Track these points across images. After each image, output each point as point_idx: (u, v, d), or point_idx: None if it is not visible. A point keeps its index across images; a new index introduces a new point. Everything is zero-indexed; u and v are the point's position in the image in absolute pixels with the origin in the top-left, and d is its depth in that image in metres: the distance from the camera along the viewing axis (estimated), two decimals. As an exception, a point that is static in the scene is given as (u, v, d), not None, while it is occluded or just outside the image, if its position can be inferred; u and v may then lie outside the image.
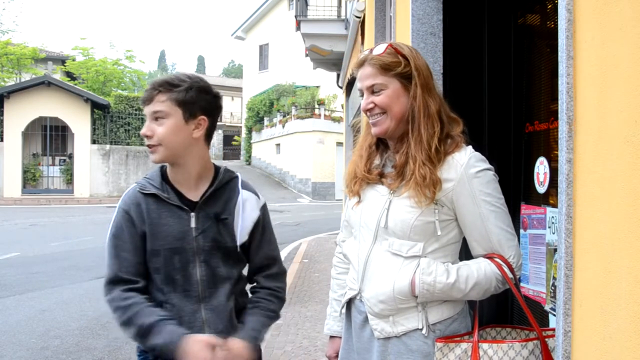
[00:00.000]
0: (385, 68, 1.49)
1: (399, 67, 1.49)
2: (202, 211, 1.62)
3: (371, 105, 1.50)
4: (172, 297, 1.58)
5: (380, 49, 1.52)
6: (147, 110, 1.57)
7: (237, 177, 1.73)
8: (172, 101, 1.55)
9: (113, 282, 1.56)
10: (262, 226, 1.73)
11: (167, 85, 1.56)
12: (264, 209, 1.75)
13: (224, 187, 1.68)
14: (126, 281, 1.55)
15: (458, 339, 1.43)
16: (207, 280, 1.61)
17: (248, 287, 1.79)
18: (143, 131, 1.58)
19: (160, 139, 1.55)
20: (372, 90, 1.50)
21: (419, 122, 1.47)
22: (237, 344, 1.54)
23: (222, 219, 1.64)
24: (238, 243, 1.66)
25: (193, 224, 1.60)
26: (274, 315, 1.71)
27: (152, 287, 1.61)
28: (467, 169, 1.44)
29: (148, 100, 1.56)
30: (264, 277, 1.74)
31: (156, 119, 1.56)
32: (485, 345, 1.39)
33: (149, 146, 1.57)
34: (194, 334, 1.51)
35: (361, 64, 1.53)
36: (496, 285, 1.44)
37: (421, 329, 1.44)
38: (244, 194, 1.70)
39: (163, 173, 1.66)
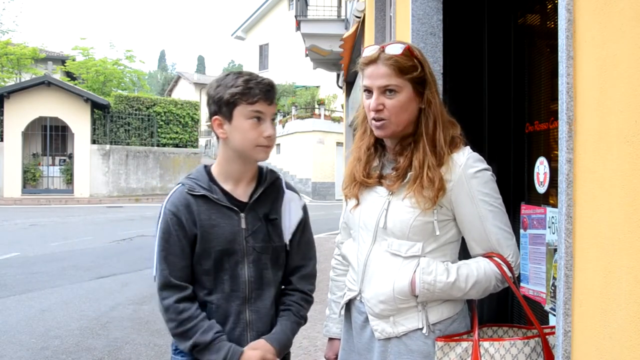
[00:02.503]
0: (402, 70, 1.44)
1: (415, 72, 1.46)
2: (251, 212, 1.62)
3: (381, 107, 1.46)
4: (218, 298, 1.58)
5: (396, 49, 1.46)
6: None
7: (280, 177, 1.74)
8: None
9: (164, 287, 1.55)
10: (304, 226, 1.74)
11: None
12: (305, 209, 1.76)
13: (270, 187, 1.68)
14: (177, 287, 1.55)
15: (458, 337, 1.44)
16: (255, 281, 1.61)
17: None
18: None
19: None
20: (384, 90, 1.46)
21: (435, 129, 1.47)
22: (264, 346, 1.57)
23: (271, 219, 1.64)
24: (285, 242, 1.68)
25: (243, 225, 1.60)
26: (304, 322, 1.72)
27: (196, 287, 1.60)
28: (465, 169, 1.44)
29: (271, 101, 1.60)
30: (298, 278, 1.72)
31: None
32: (486, 344, 1.40)
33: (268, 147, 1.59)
34: (236, 336, 1.57)
35: (373, 61, 1.47)
36: (495, 284, 1.45)
37: (421, 329, 1.44)
38: (288, 194, 1.71)
39: (208, 172, 1.64)
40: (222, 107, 1.55)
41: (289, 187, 1.74)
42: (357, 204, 1.57)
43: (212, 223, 1.57)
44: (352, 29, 7.16)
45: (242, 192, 1.63)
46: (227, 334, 1.56)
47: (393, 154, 1.55)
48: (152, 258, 1.60)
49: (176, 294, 1.54)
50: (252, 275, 1.60)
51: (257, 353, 1.54)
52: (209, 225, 1.57)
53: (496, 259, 1.44)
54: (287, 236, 1.68)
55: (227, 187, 1.62)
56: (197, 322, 1.53)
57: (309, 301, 1.74)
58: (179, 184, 1.64)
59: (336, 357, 1.72)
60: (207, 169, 1.66)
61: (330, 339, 1.77)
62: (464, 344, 1.41)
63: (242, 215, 1.60)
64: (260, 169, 1.70)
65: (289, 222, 1.69)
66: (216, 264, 1.58)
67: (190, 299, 1.56)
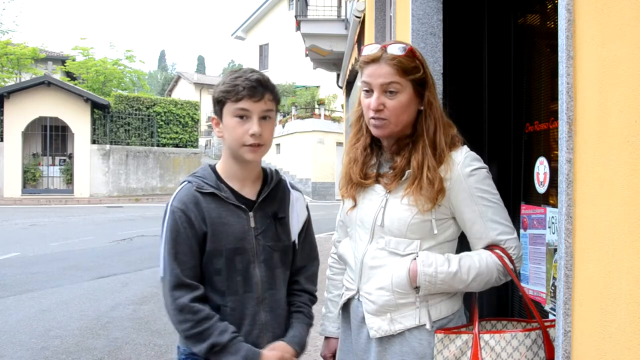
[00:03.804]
0: (405, 71, 1.44)
1: (418, 73, 1.46)
2: (260, 210, 1.60)
3: (382, 107, 1.45)
4: (232, 300, 1.55)
5: (398, 49, 1.45)
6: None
7: (284, 177, 1.73)
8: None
9: (177, 286, 1.49)
10: (308, 225, 1.74)
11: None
12: (308, 209, 1.76)
13: (276, 186, 1.67)
14: (190, 286, 1.49)
15: (457, 330, 1.44)
16: (267, 281, 1.59)
17: None
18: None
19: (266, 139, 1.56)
20: (386, 89, 1.45)
21: (436, 131, 1.47)
22: (285, 347, 1.56)
23: (279, 218, 1.63)
24: (294, 240, 1.67)
25: (252, 224, 1.58)
26: (312, 323, 1.71)
27: (209, 290, 1.55)
28: (462, 168, 1.45)
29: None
30: (304, 278, 1.71)
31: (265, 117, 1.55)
32: (486, 336, 1.40)
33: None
34: (253, 338, 1.54)
35: (375, 59, 1.46)
36: (497, 276, 1.45)
37: (418, 327, 1.44)
38: (294, 194, 1.71)
39: (214, 170, 1.62)
40: (215, 106, 1.56)
41: (293, 187, 1.74)
42: (354, 205, 1.57)
43: (222, 221, 1.54)
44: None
45: (250, 191, 1.61)
46: (244, 337, 1.53)
47: (390, 153, 1.55)
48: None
49: (190, 294, 1.48)
50: (264, 275, 1.58)
51: (275, 353, 1.52)
52: (219, 223, 1.54)
53: (498, 251, 1.45)
54: (294, 235, 1.67)
55: (234, 185, 1.60)
56: (213, 322, 1.48)
57: (314, 302, 1.74)
58: (184, 181, 1.60)
59: (333, 356, 1.72)
60: (212, 167, 1.64)
61: (327, 337, 1.78)
62: (464, 337, 1.41)
63: (251, 214, 1.58)
64: (264, 169, 1.69)
65: (296, 221, 1.68)
66: (228, 263, 1.54)
67: (203, 299, 1.52)
